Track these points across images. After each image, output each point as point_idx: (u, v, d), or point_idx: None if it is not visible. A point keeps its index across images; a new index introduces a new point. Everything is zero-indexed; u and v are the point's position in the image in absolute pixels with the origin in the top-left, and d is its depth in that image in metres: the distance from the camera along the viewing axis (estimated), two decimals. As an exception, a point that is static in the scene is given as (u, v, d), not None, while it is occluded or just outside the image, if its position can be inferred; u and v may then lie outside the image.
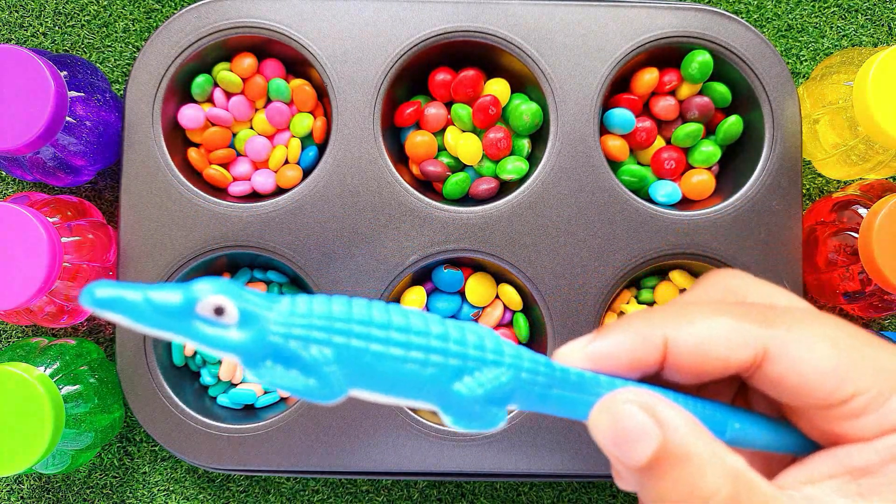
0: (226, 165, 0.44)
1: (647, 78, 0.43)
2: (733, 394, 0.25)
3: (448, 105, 0.44)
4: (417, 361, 0.20)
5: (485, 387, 0.21)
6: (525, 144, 0.44)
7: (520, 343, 0.44)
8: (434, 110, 0.44)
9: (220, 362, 0.44)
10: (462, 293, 0.44)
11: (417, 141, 0.43)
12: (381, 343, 0.20)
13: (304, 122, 0.43)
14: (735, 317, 0.22)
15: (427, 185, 0.45)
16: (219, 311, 0.19)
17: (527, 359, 0.22)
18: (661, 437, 0.21)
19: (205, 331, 0.19)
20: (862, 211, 0.41)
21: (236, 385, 0.44)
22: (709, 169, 0.44)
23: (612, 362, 0.23)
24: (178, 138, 0.44)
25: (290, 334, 0.19)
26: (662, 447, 0.21)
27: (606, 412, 0.22)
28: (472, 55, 0.43)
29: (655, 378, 0.23)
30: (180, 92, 0.43)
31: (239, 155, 0.45)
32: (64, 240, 0.40)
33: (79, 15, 0.48)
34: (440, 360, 0.21)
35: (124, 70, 0.48)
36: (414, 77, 0.44)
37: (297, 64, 0.44)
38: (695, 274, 0.44)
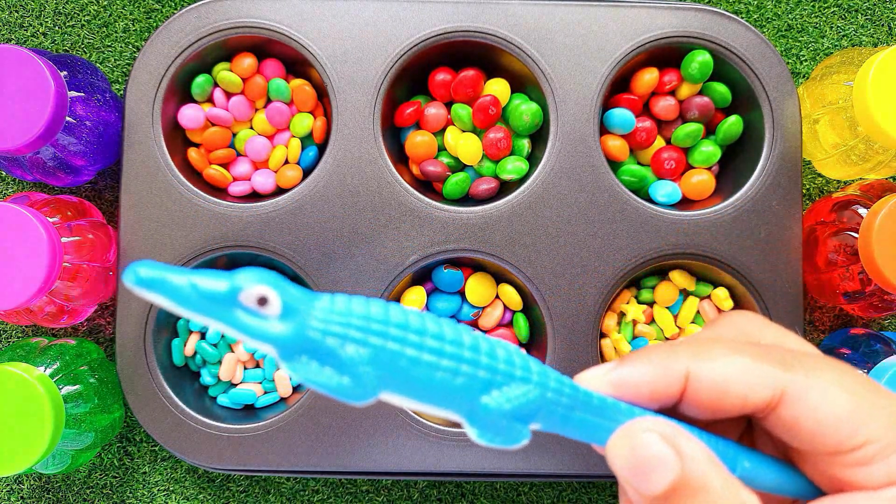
0: (226, 165, 0.44)
1: (647, 78, 0.43)
2: (739, 433, 0.26)
3: (448, 105, 0.44)
4: (449, 370, 0.21)
5: (512, 402, 0.21)
6: (525, 144, 0.44)
7: (520, 343, 0.44)
8: (434, 110, 0.44)
9: (219, 362, 0.44)
10: (462, 293, 0.44)
11: (417, 141, 0.43)
12: (416, 348, 0.20)
13: (304, 122, 0.43)
14: (756, 357, 0.23)
15: (427, 185, 0.45)
16: (262, 301, 0.19)
17: (553, 378, 0.22)
18: (680, 468, 0.21)
19: (245, 320, 0.19)
20: (862, 211, 0.41)
21: (236, 385, 0.44)
22: (709, 169, 0.44)
23: (632, 391, 0.23)
24: (178, 138, 0.44)
25: (328, 331, 0.19)
26: (680, 478, 0.21)
27: (626, 439, 0.22)
28: (472, 55, 0.43)
29: (671, 411, 0.24)
30: (180, 92, 0.43)
31: (239, 155, 0.45)
32: (64, 240, 0.40)
33: (79, 15, 0.48)
34: (471, 370, 0.21)
35: (124, 70, 0.48)
36: (414, 77, 0.44)
37: (297, 64, 0.44)
38: (695, 274, 0.44)
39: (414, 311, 0.21)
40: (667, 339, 0.44)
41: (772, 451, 0.25)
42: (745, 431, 0.26)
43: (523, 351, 0.22)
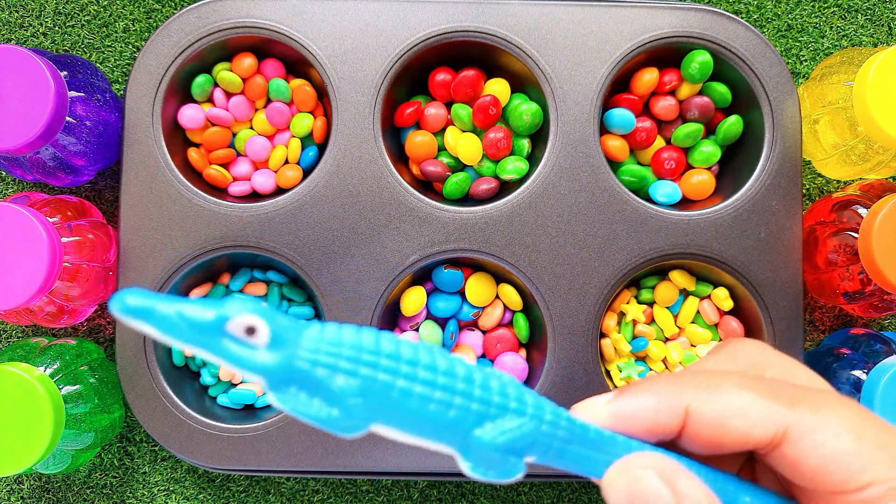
0: (226, 165, 0.44)
1: (647, 78, 0.43)
2: (740, 466, 0.25)
3: (448, 105, 0.44)
4: (441, 402, 0.20)
5: (506, 435, 0.21)
6: (525, 144, 0.44)
7: (520, 343, 0.44)
8: (434, 110, 0.44)
9: (220, 362, 0.44)
10: (462, 293, 0.44)
11: (417, 141, 0.43)
12: (408, 380, 0.20)
13: (304, 122, 0.43)
14: (760, 393, 0.22)
15: (427, 185, 0.45)
16: (250, 330, 0.19)
17: (548, 411, 0.22)
18: None
19: (233, 350, 0.19)
20: (862, 211, 0.41)
21: (236, 385, 0.44)
22: (709, 169, 0.44)
23: (632, 423, 0.23)
24: (178, 138, 0.44)
25: (318, 361, 0.19)
26: None
27: (623, 474, 0.22)
28: (472, 55, 0.43)
29: (670, 444, 0.23)
30: (180, 92, 0.43)
31: (239, 155, 0.45)
32: (64, 240, 0.40)
33: (79, 15, 0.48)
34: (464, 403, 0.20)
35: (124, 70, 0.48)
36: (414, 77, 0.44)
37: (297, 64, 0.44)
38: (695, 274, 0.44)
39: (406, 342, 0.21)
40: (667, 339, 0.44)
41: (774, 485, 0.25)
42: (746, 464, 0.25)
43: (519, 382, 0.22)
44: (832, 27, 0.49)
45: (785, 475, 0.23)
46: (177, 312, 0.18)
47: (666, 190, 0.43)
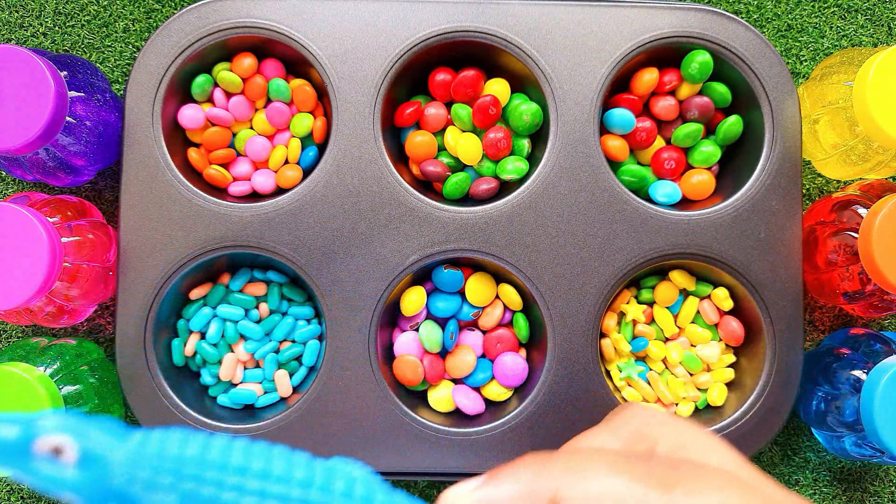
0: (226, 165, 0.44)
1: (647, 78, 0.43)
2: None
3: (448, 105, 0.44)
4: None
5: None
6: (525, 144, 0.44)
7: (520, 343, 0.44)
8: (434, 110, 0.44)
9: (219, 362, 0.44)
10: (462, 293, 0.44)
11: (417, 141, 0.43)
12: (236, 491, 0.19)
13: (304, 122, 0.43)
14: (632, 477, 0.22)
15: (427, 185, 0.45)
16: (57, 450, 0.18)
17: None
18: None
19: (42, 469, 0.18)
20: (862, 211, 0.41)
21: (236, 385, 0.44)
22: (709, 169, 0.44)
23: None
24: (178, 138, 0.44)
25: (134, 477, 0.19)
26: None
27: None
28: (472, 55, 0.43)
29: None
30: (180, 92, 0.43)
31: (239, 155, 0.45)
32: (64, 240, 0.40)
33: (79, 15, 0.48)
34: None
35: (124, 70, 0.48)
36: (414, 77, 0.44)
37: (297, 64, 0.44)
38: (695, 274, 0.44)
39: (241, 446, 0.20)
40: (667, 339, 0.44)
41: None
42: None
43: (373, 477, 0.22)
44: (832, 27, 0.49)
45: None
46: None
47: (666, 190, 0.43)
